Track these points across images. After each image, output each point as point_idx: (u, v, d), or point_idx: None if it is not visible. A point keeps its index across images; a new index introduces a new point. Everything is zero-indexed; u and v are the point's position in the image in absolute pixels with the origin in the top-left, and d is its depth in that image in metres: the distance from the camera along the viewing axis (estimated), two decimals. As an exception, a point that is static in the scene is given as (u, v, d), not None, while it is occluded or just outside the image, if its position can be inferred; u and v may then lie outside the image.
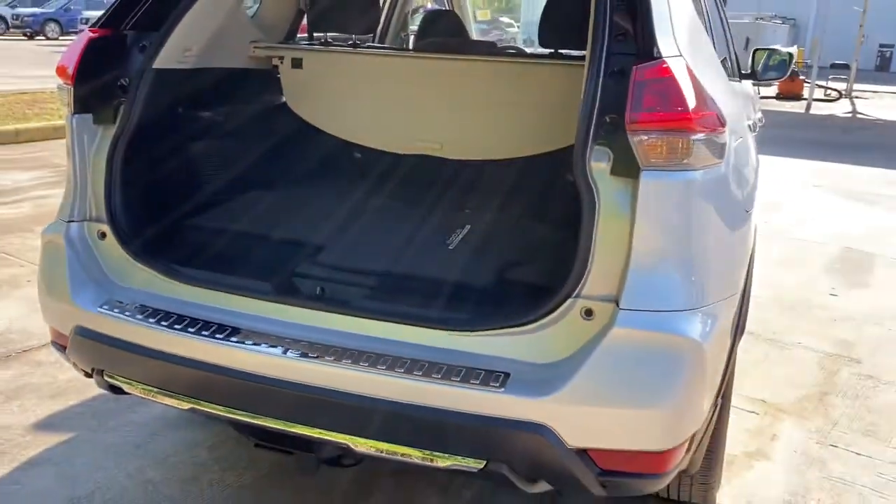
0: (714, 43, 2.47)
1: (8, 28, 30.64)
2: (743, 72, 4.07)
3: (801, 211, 6.62)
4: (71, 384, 3.04)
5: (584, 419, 1.64)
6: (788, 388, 3.30)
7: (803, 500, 2.51)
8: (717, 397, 1.94)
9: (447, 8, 4.38)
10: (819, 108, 15.80)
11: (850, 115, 15.37)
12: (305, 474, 2.50)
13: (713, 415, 1.96)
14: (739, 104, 2.52)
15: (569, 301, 1.69)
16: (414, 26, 4.53)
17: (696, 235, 1.69)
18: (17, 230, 5.01)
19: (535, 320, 1.71)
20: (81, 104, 2.08)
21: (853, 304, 4.35)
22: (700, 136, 1.66)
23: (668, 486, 2.25)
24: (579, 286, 1.68)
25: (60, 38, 30.32)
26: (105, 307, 1.99)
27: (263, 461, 2.59)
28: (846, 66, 21.57)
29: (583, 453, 1.66)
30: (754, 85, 3.88)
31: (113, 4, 2.17)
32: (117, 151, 2.09)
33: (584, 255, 1.67)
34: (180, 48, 2.26)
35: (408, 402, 1.69)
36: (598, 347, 1.63)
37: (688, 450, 1.79)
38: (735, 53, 4.09)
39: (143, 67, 2.15)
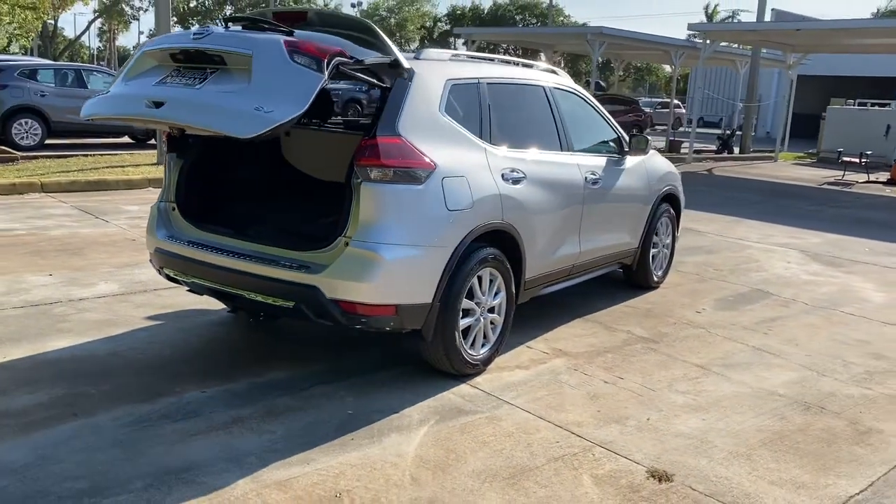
0: (489, 130, 4.53)
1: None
2: (625, 149, 6.05)
3: (761, 266, 8.10)
4: (171, 304, 5.53)
5: (334, 285, 3.81)
6: (585, 347, 5.14)
7: (527, 385, 4.43)
8: (433, 299, 4.02)
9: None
10: (921, 195, 16.29)
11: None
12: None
13: (432, 310, 4.04)
14: (506, 164, 4.55)
15: (339, 238, 3.88)
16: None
17: (390, 213, 3.84)
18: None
19: (326, 247, 3.92)
20: (171, 148, 4.59)
21: (703, 318, 6.02)
22: (394, 170, 3.82)
23: (426, 352, 4.29)
24: (344, 232, 3.87)
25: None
26: (169, 239, 4.43)
27: (245, 334, 4.92)
28: None
29: (335, 301, 3.83)
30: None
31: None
32: (183, 171, 4.56)
33: (345, 219, 3.87)
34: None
35: (270, 276, 3.95)
36: (343, 254, 3.82)
37: (396, 313, 3.90)
38: (619, 137, 6.02)
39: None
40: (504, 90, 4.85)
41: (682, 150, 22.55)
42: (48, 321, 5.06)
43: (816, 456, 3.76)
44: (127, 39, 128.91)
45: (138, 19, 64.88)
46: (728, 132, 25.53)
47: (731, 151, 24.50)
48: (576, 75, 58.61)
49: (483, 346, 4.54)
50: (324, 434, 3.67)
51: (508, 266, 4.59)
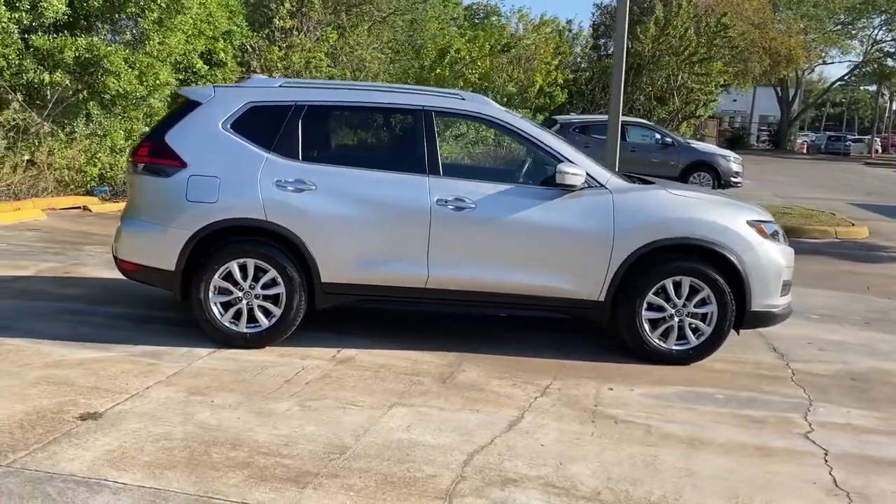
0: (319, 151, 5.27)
1: None
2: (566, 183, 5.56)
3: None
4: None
5: (117, 247, 5.50)
6: (374, 366, 5.12)
7: (226, 360, 5.03)
8: (176, 268, 5.27)
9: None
10: None
11: None
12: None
13: (174, 276, 5.27)
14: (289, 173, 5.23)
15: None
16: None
17: (138, 196, 5.33)
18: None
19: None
20: None
21: (587, 391, 4.86)
22: (144, 165, 5.29)
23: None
24: (132, 213, 5.50)
25: None
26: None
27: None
28: None
29: (114, 255, 5.54)
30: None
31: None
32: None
33: (134, 204, 5.52)
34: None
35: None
36: (121, 224, 5.49)
37: (139, 271, 5.34)
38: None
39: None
40: (335, 113, 5.43)
41: None
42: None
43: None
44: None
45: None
46: None
47: None
48: None
49: (254, 326, 5.30)
50: (90, 340, 5.29)
51: (284, 264, 5.22)
